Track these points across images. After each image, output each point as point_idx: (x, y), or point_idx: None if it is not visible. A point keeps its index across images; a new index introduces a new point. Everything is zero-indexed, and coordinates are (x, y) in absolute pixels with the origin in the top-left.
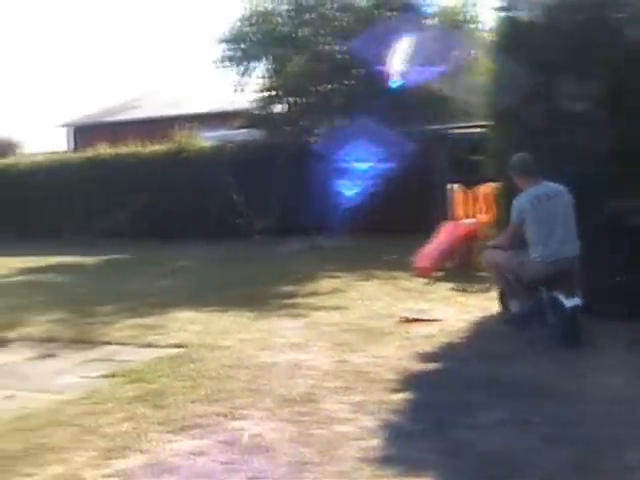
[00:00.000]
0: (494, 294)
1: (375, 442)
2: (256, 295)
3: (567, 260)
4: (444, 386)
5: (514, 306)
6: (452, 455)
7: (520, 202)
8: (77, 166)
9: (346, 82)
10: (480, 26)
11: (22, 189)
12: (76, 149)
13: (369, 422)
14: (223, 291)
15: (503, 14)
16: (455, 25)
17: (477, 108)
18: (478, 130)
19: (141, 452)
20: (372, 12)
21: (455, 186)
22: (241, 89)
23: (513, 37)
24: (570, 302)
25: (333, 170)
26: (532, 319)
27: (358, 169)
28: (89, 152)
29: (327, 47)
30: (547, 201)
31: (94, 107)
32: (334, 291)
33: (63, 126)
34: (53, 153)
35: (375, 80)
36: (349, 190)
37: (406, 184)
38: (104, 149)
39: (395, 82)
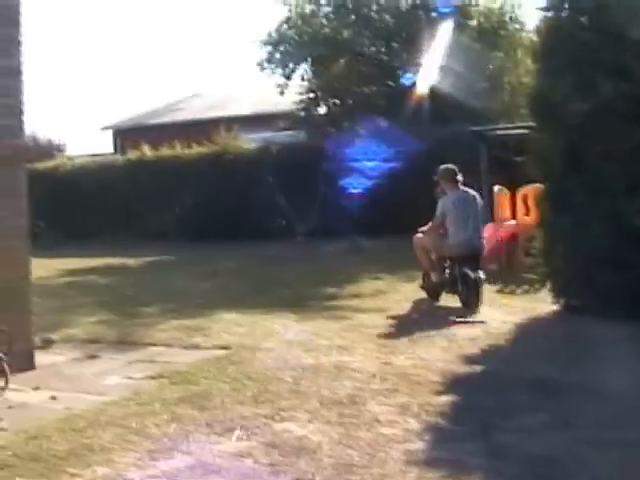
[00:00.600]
0: (538, 296)
1: (420, 444)
2: (299, 297)
3: (474, 247)
4: (488, 388)
5: (434, 277)
6: (496, 458)
7: (444, 203)
8: (120, 168)
9: (388, 83)
10: (522, 26)
11: (67, 191)
12: (119, 151)
13: (414, 424)
14: (266, 292)
15: (547, 14)
16: (498, 26)
17: (520, 109)
18: (521, 131)
19: (187, 453)
20: (414, 13)
21: (497, 187)
22: (282, 91)
23: (557, 37)
24: (474, 275)
25: (375, 172)
26: (444, 286)
27: (399, 170)
28: (132, 154)
29: (369, 49)
30: (464, 202)
31: (137, 110)
32: (377, 293)
33: (106, 128)
34: (97, 155)
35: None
36: (390, 191)
37: None
38: (147, 151)
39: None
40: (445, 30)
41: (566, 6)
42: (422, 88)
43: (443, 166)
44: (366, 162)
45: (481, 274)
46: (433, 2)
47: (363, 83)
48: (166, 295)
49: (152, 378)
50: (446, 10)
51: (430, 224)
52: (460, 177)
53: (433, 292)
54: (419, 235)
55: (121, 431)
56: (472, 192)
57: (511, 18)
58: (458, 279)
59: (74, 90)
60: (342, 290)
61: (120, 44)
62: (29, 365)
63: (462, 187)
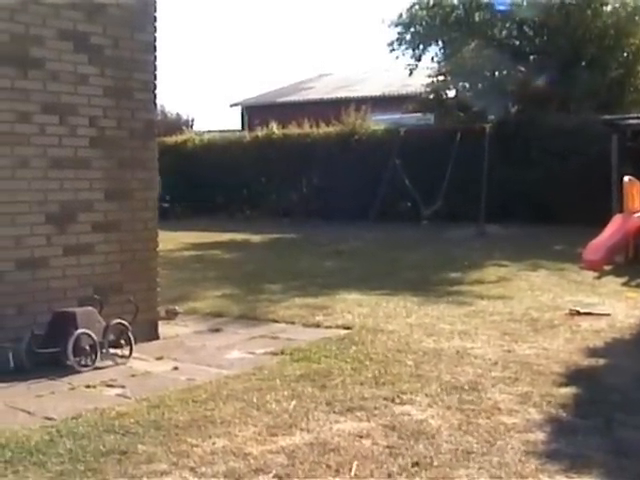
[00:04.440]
0: None
1: (540, 436)
2: (422, 280)
3: None
4: (612, 383)
5: None
6: (619, 455)
7: None
8: (248, 145)
9: (520, 68)
10: None
11: (194, 165)
12: (247, 128)
13: (535, 415)
14: (390, 275)
15: None
16: (633, 12)
17: None
18: None
19: (306, 431)
20: None
21: (627, 178)
22: (411, 72)
23: None
24: None
25: (504, 157)
26: None
27: (530, 157)
28: (260, 132)
29: (500, 32)
30: None
31: (266, 87)
32: (500, 280)
33: (235, 105)
34: (225, 131)
35: (549, 66)
36: (519, 178)
37: (577, 173)
38: (275, 129)
39: None
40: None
41: None
42: (555, 73)
43: None
44: (498, 147)
45: None
46: None
47: (494, 67)
48: (289, 273)
49: (274, 354)
50: (502, 7)
51: None
52: None
53: None
54: None
55: (241, 405)
56: None
57: None
58: None
59: (205, 66)
60: (465, 276)
61: (252, 22)
62: (153, 335)
63: None
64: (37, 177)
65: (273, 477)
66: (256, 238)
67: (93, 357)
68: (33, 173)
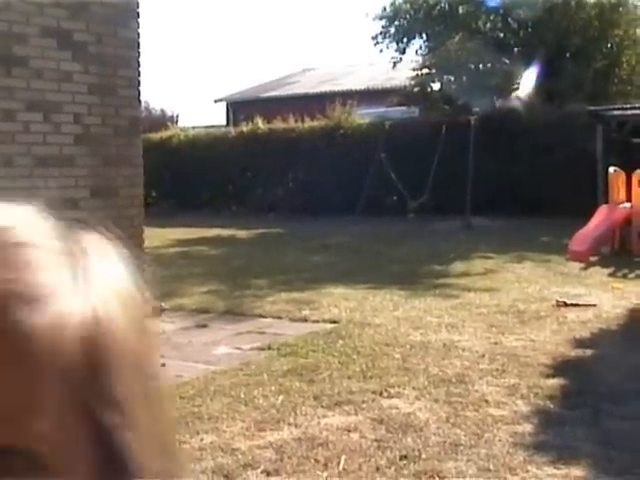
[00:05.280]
0: None
1: (528, 427)
2: (408, 273)
3: None
4: (600, 374)
5: None
6: (606, 445)
7: None
8: (233, 140)
9: (504, 61)
10: None
11: (180, 161)
12: (232, 124)
13: (522, 406)
14: (376, 268)
15: None
16: (617, 3)
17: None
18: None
19: (294, 425)
20: None
21: (613, 169)
22: (394, 65)
23: None
24: None
25: (490, 150)
26: None
27: (516, 149)
28: (245, 127)
29: (485, 25)
30: None
31: (250, 82)
32: (487, 272)
33: (219, 101)
34: (210, 127)
35: (534, 59)
36: (505, 170)
37: (563, 165)
38: (260, 124)
39: None
40: (563, 7)
41: None
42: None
43: None
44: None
45: None
46: None
47: (478, 60)
48: (276, 268)
49: (261, 349)
50: (493, 3)
51: None
52: None
53: None
54: None
55: (229, 400)
56: None
57: None
58: None
59: (189, 62)
60: (452, 268)
61: (234, 17)
62: None
63: None
64: (22, 175)
65: (261, 472)
66: (242, 233)
67: None
68: (18, 171)
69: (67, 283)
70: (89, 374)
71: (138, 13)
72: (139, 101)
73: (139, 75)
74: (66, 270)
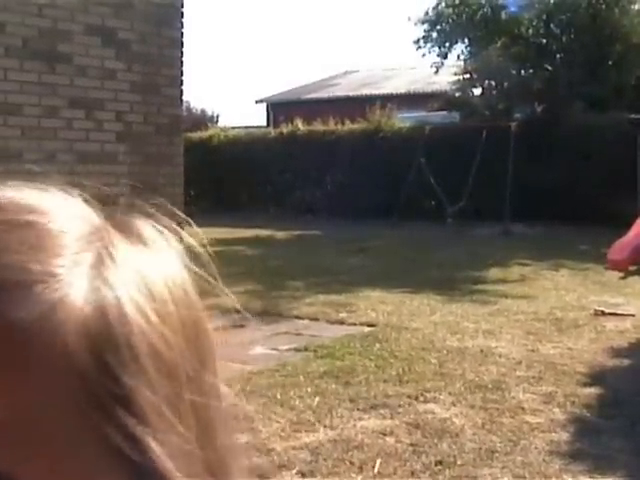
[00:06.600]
0: None
1: (564, 436)
2: (446, 279)
3: None
4: (637, 384)
5: None
6: None
7: None
8: (273, 141)
9: (546, 66)
10: None
11: (219, 161)
12: (272, 125)
13: (559, 415)
14: (414, 273)
15: None
16: None
17: None
18: None
19: (330, 427)
20: None
21: None
22: (437, 70)
23: None
24: None
25: (530, 156)
26: None
27: (556, 155)
28: (285, 128)
29: (527, 30)
30: None
31: (291, 84)
32: (524, 279)
33: (260, 102)
34: (250, 127)
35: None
36: (545, 177)
37: (603, 173)
38: (300, 125)
39: None
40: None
41: None
42: (583, 72)
43: None
44: (524, 146)
45: None
46: None
47: (520, 65)
48: (313, 269)
49: (297, 350)
50: (514, 8)
51: None
52: None
53: None
54: None
55: (266, 401)
56: None
57: None
58: None
59: (231, 63)
60: (489, 274)
61: (278, 19)
62: None
63: None
64: (63, 172)
65: (296, 473)
66: (280, 234)
67: None
68: (59, 167)
69: (81, 272)
70: (96, 374)
71: (182, 13)
72: (181, 100)
73: (182, 74)
74: (86, 258)
